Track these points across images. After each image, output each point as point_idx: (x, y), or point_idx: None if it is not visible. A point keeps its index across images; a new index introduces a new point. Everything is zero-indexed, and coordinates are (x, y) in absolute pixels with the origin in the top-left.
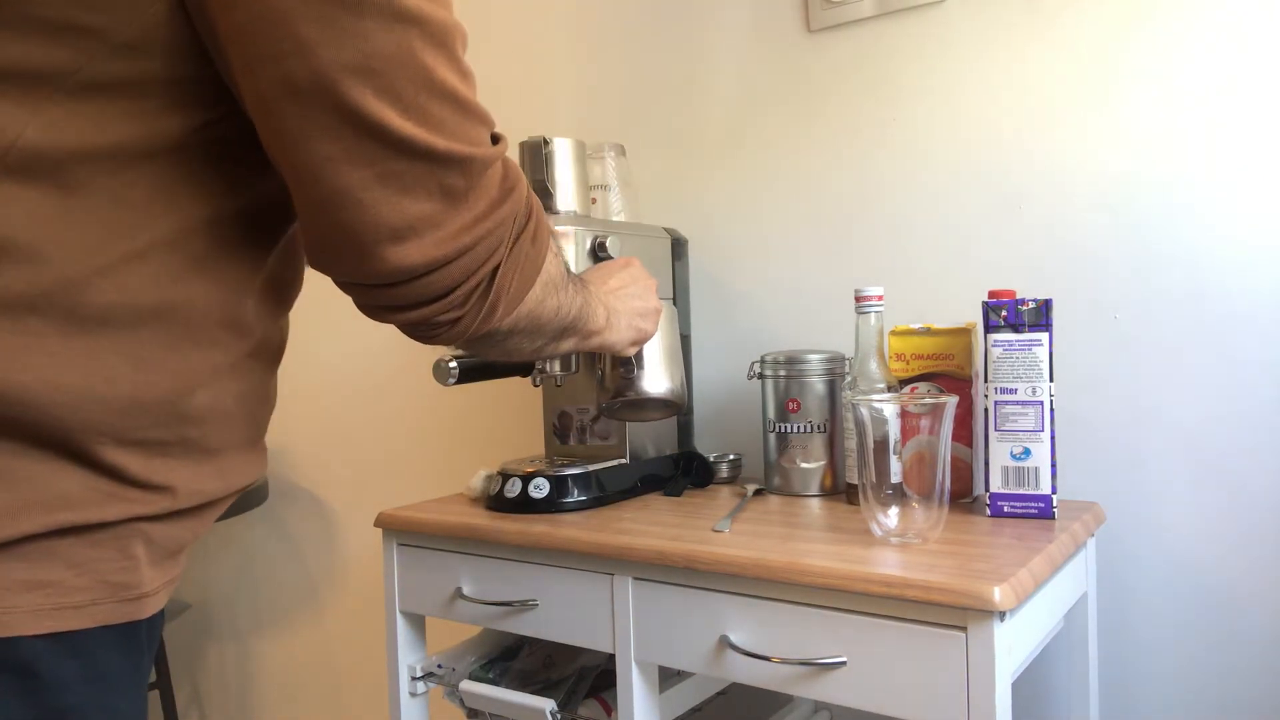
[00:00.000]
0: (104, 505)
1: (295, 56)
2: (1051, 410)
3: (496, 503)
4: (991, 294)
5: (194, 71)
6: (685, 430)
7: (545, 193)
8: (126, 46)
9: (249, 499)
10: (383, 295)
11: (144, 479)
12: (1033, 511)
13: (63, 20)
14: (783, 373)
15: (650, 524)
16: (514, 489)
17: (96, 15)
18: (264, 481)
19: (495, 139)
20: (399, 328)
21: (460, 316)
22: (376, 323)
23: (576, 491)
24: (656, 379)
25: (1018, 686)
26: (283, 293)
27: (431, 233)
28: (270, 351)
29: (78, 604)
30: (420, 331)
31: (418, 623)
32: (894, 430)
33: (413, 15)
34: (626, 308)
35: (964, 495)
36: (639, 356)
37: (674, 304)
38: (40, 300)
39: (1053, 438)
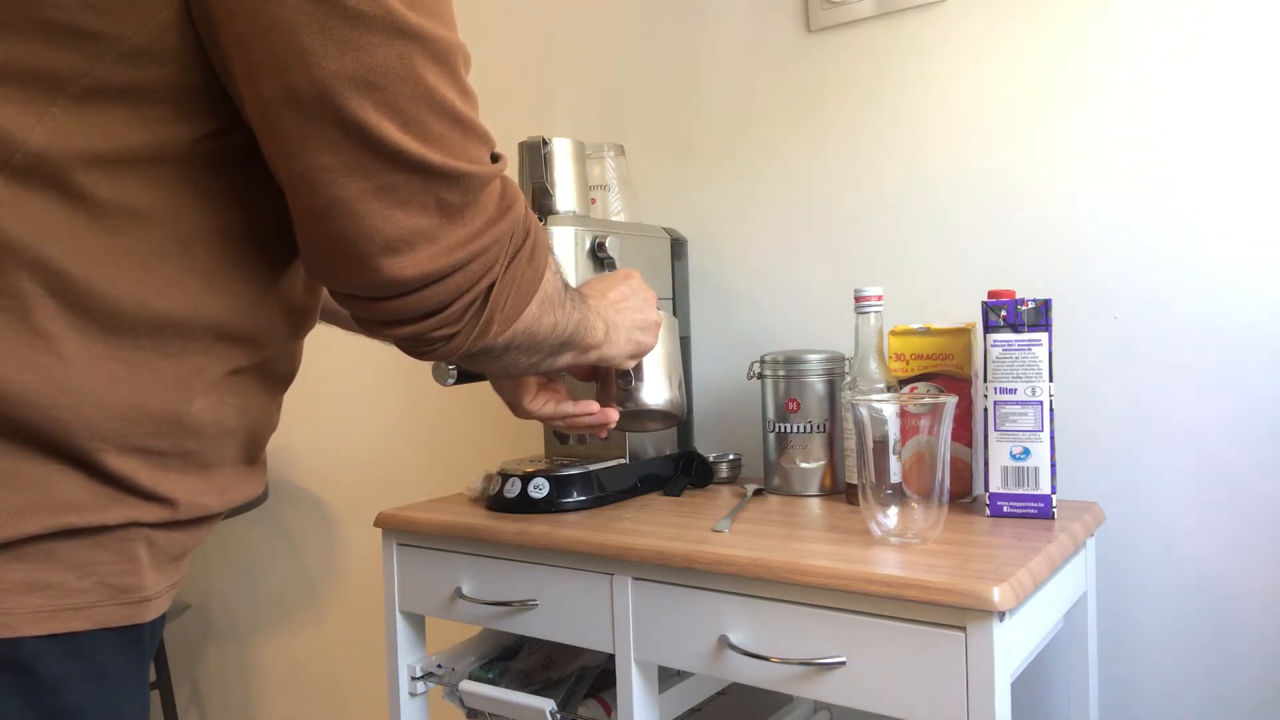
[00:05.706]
0: (106, 509)
1: (297, 66)
2: (1051, 410)
3: (496, 503)
4: (991, 294)
5: (200, 80)
6: (685, 430)
7: (545, 193)
8: (134, 52)
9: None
10: (378, 309)
11: (148, 489)
12: (1032, 511)
13: (70, 24)
14: (782, 373)
15: (650, 524)
16: (514, 489)
17: (104, 20)
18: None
19: (495, 158)
20: (394, 342)
21: (455, 333)
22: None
23: (576, 491)
24: (656, 391)
25: (1018, 686)
26: (298, 318)
27: (427, 246)
28: (277, 375)
29: (78, 605)
30: (415, 346)
31: (418, 623)
32: (893, 430)
33: (415, 31)
34: (625, 321)
35: (963, 495)
36: (638, 368)
37: (674, 305)
38: (45, 304)
39: (1052, 438)
